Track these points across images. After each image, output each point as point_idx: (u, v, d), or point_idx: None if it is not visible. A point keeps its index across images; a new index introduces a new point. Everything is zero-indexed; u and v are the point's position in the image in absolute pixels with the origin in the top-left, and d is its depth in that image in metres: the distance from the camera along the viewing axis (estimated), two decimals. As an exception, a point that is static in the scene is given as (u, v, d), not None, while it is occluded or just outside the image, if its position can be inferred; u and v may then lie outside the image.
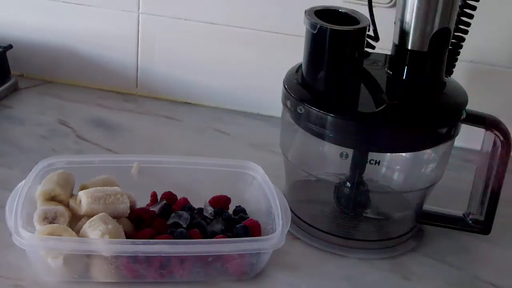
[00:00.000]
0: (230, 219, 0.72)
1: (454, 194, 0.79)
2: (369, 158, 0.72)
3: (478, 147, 0.75)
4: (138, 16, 1.02)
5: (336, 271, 0.72)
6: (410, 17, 0.69)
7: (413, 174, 0.79)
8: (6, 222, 0.65)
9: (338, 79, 0.70)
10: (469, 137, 0.78)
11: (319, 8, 0.70)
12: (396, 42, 0.72)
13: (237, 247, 0.65)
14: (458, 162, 0.89)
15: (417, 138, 0.70)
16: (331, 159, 0.75)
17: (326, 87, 0.71)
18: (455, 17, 0.70)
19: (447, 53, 0.72)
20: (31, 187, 0.69)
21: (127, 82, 1.08)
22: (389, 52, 0.74)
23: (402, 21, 0.70)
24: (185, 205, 0.74)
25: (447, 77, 0.75)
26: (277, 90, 0.74)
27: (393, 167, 0.79)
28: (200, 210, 0.74)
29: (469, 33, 0.75)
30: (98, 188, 0.70)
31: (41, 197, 0.69)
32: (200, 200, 0.75)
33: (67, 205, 0.70)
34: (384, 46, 0.74)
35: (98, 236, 0.63)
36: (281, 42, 0.98)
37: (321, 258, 0.73)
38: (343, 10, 0.71)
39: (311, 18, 0.68)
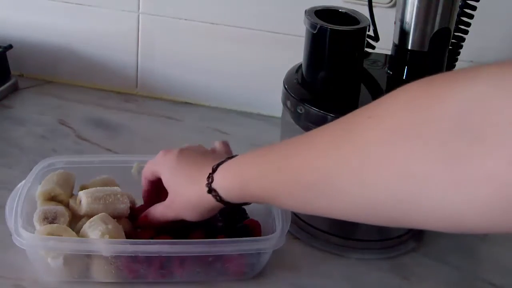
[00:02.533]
0: (230, 219, 0.72)
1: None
2: (369, 158, 0.72)
3: (478, 147, 0.75)
4: (138, 16, 1.02)
5: (336, 271, 0.72)
6: (410, 17, 0.69)
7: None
8: (6, 222, 0.65)
9: (338, 79, 0.71)
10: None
11: (319, 8, 0.70)
12: (396, 42, 0.72)
13: (237, 247, 0.65)
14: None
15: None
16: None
17: (326, 87, 0.71)
18: (455, 17, 0.70)
19: (447, 53, 0.72)
20: (31, 187, 0.69)
21: (127, 82, 1.08)
22: (389, 52, 0.74)
23: (402, 21, 0.70)
24: None
25: (447, 77, 0.75)
26: (277, 90, 0.74)
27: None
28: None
29: (469, 33, 0.75)
30: (98, 188, 0.70)
31: (41, 197, 0.69)
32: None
33: (67, 205, 0.70)
34: (384, 46, 0.74)
35: (98, 236, 0.63)
36: (281, 42, 0.98)
37: (321, 258, 0.73)
38: (343, 10, 0.71)
39: (311, 18, 0.68)
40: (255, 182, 0.56)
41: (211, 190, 0.60)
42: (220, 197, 0.60)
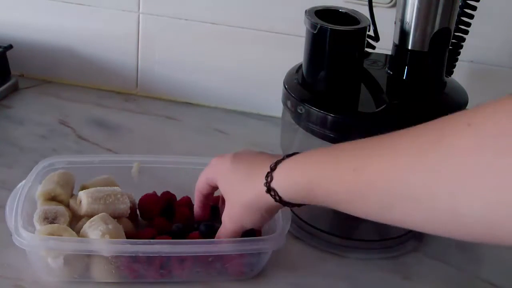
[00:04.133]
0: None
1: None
2: (369, 158, 0.72)
3: (478, 147, 0.75)
4: (138, 16, 1.02)
5: (336, 271, 0.71)
6: (411, 17, 0.69)
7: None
8: (6, 222, 0.65)
9: (338, 79, 0.71)
10: (469, 137, 0.77)
11: (320, 8, 0.70)
12: (397, 42, 0.72)
13: (237, 247, 0.65)
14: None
15: (417, 138, 0.70)
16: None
17: (327, 87, 0.71)
18: (455, 17, 0.70)
19: (447, 53, 0.72)
20: (31, 187, 0.69)
21: (127, 82, 1.08)
22: (389, 52, 0.74)
23: (402, 21, 0.70)
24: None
25: (447, 77, 0.75)
26: (277, 90, 0.74)
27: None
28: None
29: (469, 33, 0.75)
30: (98, 188, 0.70)
31: (42, 197, 0.69)
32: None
33: (67, 205, 0.70)
34: (384, 46, 0.74)
35: (98, 236, 0.63)
36: (281, 42, 0.98)
37: (321, 258, 0.73)
38: (343, 10, 0.71)
39: (312, 18, 0.68)
40: (323, 182, 0.53)
41: (269, 190, 0.57)
42: (279, 196, 0.57)
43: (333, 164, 0.52)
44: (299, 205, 0.59)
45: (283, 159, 0.58)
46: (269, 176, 0.57)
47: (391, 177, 0.47)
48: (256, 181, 0.59)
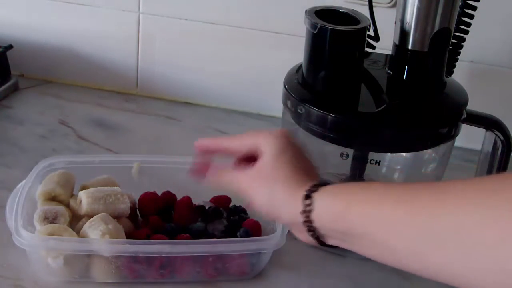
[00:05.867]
0: (230, 220, 0.72)
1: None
2: (369, 158, 0.72)
3: (478, 147, 0.75)
4: (138, 16, 1.02)
5: (337, 271, 0.71)
6: (411, 17, 0.69)
7: (414, 174, 0.79)
8: (6, 222, 0.66)
9: (338, 79, 0.70)
10: (469, 137, 0.78)
11: (320, 8, 0.70)
12: (397, 42, 0.72)
13: (237, 247, 0.65)
14: (458, 162, 0.89)
15: (417, 138, 0.70)
16: (332, 159, 0.75)
17: (327, 87, 0.70)
18: (455, 17, 0.70)
19: (447, 53, 0.72)
20: (32, 187, 0.69)
21: (127, 82, 1.08)
22: (389, 52, 0.74)
23: (402, 21, 0.70)
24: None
25: (448, 77, 0.75)
26: (277, 90, 0.74)
27: (393, 167, 0.79)
28: (201, 207, 0.74)
29: (469, 33, 0.75)
30: (99, 188, 0.70)
31: (42, 197, 0.69)
32: (200, 200, 0.75)
33: (67, 205, 0.70)
34: (385, 46, 0.74)
35: (98, 236, 0.63)
36: (281, 42, 0.98)
37: (321, 258, 0.73)
38: (343, 10, 0.71)
39: (312, 18, 0.68)
40: (361, 208, 0.51)
41: (308, 197, 0.54)
42: (310, 209, 0.53)
43: (381, 195, 0.51)
44: (321, 242, 0.57)
45: (326, 183, 0.55)
46: (315, 186, 0.55)
47: (440, 217, 0.45)
48: (300, 183, 0.56)
